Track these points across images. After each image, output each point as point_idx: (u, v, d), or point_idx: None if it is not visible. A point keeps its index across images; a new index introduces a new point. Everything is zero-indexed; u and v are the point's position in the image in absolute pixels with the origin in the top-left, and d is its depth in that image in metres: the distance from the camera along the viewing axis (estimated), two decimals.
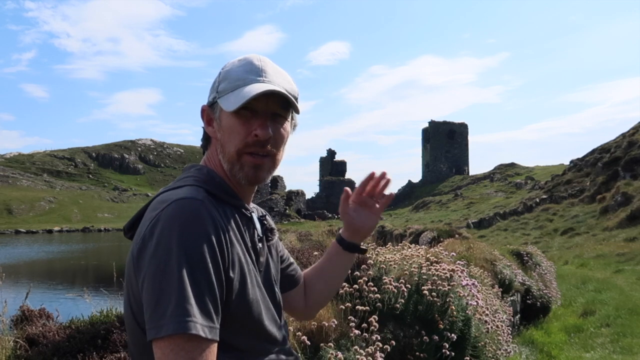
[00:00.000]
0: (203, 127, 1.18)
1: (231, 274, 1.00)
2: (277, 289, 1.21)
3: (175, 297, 0.89)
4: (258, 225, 1.18)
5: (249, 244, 1.11)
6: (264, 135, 1.06)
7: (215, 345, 0.92)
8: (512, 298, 6.54)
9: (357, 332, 2.67)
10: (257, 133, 1.06)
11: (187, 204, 0.97)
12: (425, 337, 2.96)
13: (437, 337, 2.97)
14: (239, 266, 1.03)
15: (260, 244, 1.15)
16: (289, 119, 1.14)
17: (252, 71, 1.08)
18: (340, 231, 1.39)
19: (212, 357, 0.91)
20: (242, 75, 1.08)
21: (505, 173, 57.92)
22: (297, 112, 1.14)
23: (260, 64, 1.10)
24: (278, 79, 1.09)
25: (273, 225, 1.26)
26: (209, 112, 1.14)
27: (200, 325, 0.89)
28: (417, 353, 2.93)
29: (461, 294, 3.51)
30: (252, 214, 1.17)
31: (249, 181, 1.10)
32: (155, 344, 0.88)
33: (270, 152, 1.09)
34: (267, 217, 1.25)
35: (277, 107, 1.09)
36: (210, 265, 0.94)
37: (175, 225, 0.94)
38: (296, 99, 1.13)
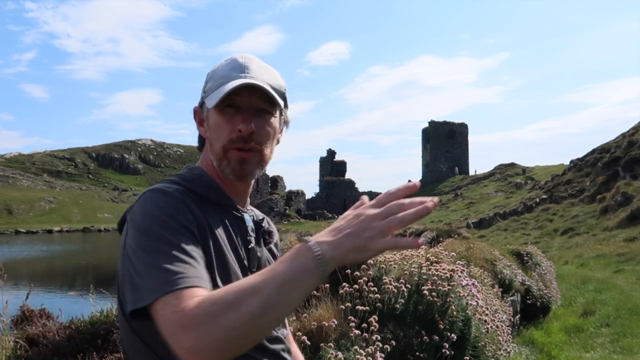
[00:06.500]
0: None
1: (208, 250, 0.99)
2: None
3: (149, 265, 0.89)
4: (251, 226, 1.16)
5: (240, 244, 1.10)
6: (246, 130, 1.05)
7: (194, 289, 0.86)
8: (512, 298, 6.54)
9: (357, 332, 2.67)
10: (240, 128, 1.06)
11: (156, 190, 1.02)
12: (425, 337, 2.96)
13: (437, 337, 2.97)
14: (217, 255, 1.01)
15: (253, 245, 1.14)
16: (277, 115, 1.13)
17: (235, 68, 1.08)
18: None
19: (193, 298, 0.85)
20: (226, 73, 1.08)
21: (505, 173, 57.84)
22: (283, 106, 1.13)
23: (244, 60, 1.10)
24: (262, 75, 1.09)
25: (272, 228, 1.25)
26: (200, 113, 1.15)
27: (175, 279, 0.86)
28: (417, 353, 2.93)
29: (461, 294, 3.51)
30: (244, 214, 1.16)
31: (236, 176, 1.09)
32: (151, 310, 0.87)
33: (254, 148, 1.08)
34: (266, 219, 1.24)
35: (262, 102, 1.08)
36: (181, 225, 0.95)
37: (142, 206, 0.99)
38: (283, 94, 1.12)
